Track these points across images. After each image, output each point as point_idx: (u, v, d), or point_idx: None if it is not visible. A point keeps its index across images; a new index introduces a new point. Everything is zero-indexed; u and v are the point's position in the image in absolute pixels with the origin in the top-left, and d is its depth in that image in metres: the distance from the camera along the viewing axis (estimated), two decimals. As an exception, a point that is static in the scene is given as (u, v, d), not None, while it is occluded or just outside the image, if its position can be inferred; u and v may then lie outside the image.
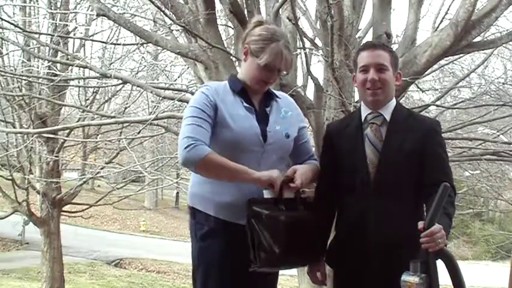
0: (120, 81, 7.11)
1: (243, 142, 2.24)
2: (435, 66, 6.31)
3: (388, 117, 2.31)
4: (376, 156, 2.26)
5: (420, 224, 1.96)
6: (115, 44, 9.06)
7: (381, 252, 2.20)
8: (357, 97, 4.58)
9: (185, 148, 2.14)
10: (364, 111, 2.36)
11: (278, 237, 2.13)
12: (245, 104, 2.32)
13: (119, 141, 9.75)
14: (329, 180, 2.40)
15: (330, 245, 2.42)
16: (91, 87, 9.99)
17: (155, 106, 8.76)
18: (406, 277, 1.94)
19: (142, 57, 9.47)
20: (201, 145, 2.14)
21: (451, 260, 1.99)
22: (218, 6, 4.96)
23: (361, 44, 2.69)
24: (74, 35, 9.53)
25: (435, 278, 1.95)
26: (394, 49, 4.90)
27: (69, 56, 7.56)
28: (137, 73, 9.60)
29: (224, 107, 2.26)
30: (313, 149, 4.56)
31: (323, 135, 2.68)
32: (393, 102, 2.35)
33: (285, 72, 2.43)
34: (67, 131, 10.24)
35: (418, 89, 7.46)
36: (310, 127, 4.64)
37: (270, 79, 2.34)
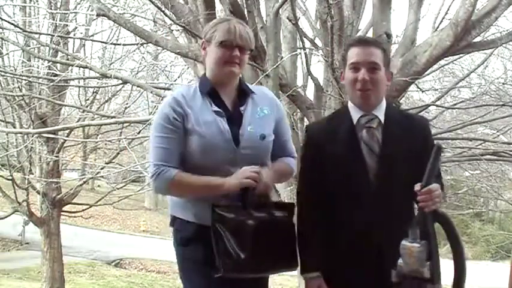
0: (120, 81, 7.12)
1: (212, 148, 2.10)
2: (435, 66, 6.31)
3: (382, 119, 2.17)
4: (376, 162, 2.12)
5: (417, 186, 1.92)
6: (115, 44, 9.08)
7: (391, 263, 1.99)
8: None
9: (152, 177, 2.12)
10: (355, 113, 2.19)
11: (244, 242, 2.03)
12: (214, 108, 2.15)
13: (119, 141, 9.75)
14: (320, 190, 2.19)
15: (329, 258, 2.20)
16: (91, 87, 10.01)
17: (155, 106, 8.77)
18: (405, 243, 1.90)
19: (143, 57, 9.48)
20: (166, 171, 2.09)
21: (448, 222, 1.99)
22: (218, 6, 4.96)
23: (352, 39, 2.48)
24: (74, 35, 9.54)
25: (434, 243, 1.92)
26: (394, 49, 4.96)
27: (69, 56, 7.57)
28: (137, 73, 9.63)
29: (193, 114, 2.12)
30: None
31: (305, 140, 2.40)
32: (384, 102, 2.20)
33: (251, 50, 2.25)
34: (67, 131, 10.27)
35: (418, 89, 7.48)
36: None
37: (232, 59, 2.14)
